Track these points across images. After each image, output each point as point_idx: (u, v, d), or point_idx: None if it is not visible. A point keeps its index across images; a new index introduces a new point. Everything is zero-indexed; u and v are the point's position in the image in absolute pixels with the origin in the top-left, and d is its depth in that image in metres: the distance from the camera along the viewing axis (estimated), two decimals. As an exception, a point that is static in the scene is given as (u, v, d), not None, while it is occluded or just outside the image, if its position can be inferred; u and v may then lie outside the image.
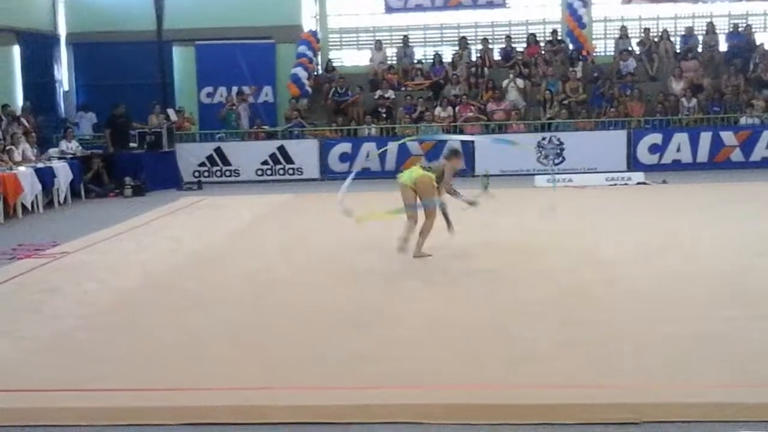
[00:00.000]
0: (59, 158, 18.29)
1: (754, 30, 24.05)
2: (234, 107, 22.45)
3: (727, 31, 24.30)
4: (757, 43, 23.43)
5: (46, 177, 16.73)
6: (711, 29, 24.03)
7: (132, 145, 20.39)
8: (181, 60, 25.08)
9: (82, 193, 18.45)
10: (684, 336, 6.69)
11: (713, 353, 6.25)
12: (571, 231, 12.03)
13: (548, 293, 8.30)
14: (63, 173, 17.38)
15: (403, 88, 23.28)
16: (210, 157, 21.21)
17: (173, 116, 21.72)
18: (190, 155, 21.16)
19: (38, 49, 23.99)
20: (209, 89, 24.43)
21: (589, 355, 6.29)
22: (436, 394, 5.59)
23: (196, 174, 20.97)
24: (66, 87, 25.21)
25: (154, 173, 19.81)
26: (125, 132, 20.52)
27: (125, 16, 24.53)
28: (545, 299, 8.07)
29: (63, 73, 25.14)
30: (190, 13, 24.37)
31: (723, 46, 24.01)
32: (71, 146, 19.58)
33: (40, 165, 17.02)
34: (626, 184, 18.19)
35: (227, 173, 21.22)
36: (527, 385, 5.74)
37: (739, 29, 23.97)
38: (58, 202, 17.21)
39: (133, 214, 15.33)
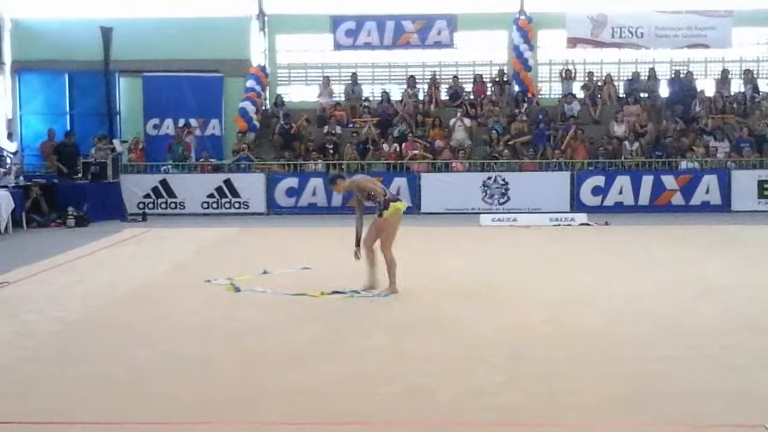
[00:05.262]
0: (0, 186, 17.95)
1: (695, 77, 24.65)
2: (182, 139, 22.31)
3: (669, 77, 24.85)
4: (698, 90, 24.00)
5: (-14, 206, 16.42)
6: (653, 75, 24.57)
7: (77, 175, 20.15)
8: (128, 91, 24.89)
9: (24, 222, 18.11)
10: (626, 375, 6.78)
11: (655, 392, 6.33)
12: (517, 270, 12.17)
13: (495, 330, 8.36)
14: (5, 202, 17.04)
15: (350, 125, 23.38)
16: (155, 189, 20.98)
17: (119, 147, 21.49)
18: (135, 186, 20.92)
19: (-20, 76, 23.72)
20: (156, 121, 24.28)
21: (533, 393, 6.35)
22: (383, 428, 5.60)
23: (141, 206, 20.71)
24: (9, 115, 24.86)
25: (98, 204, 19.49)
26: (72, 161, 20.29)
27: (72, 46, 24.26)
28: (493, 336, 8.13)
29: (7, 101, 24.79)
30: (137, 44, 24.21)
31: (665, 92, 24.53)
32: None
33: (-21, 194, 16.70)
34: (569, 225, 18.40)
35: (172, 205, 21.00)
36: (473, 422, 5.78)
37: (681, 76, 24.53)
38: (-1, 231, 16.91)
39: (75, 245, 15.10)
